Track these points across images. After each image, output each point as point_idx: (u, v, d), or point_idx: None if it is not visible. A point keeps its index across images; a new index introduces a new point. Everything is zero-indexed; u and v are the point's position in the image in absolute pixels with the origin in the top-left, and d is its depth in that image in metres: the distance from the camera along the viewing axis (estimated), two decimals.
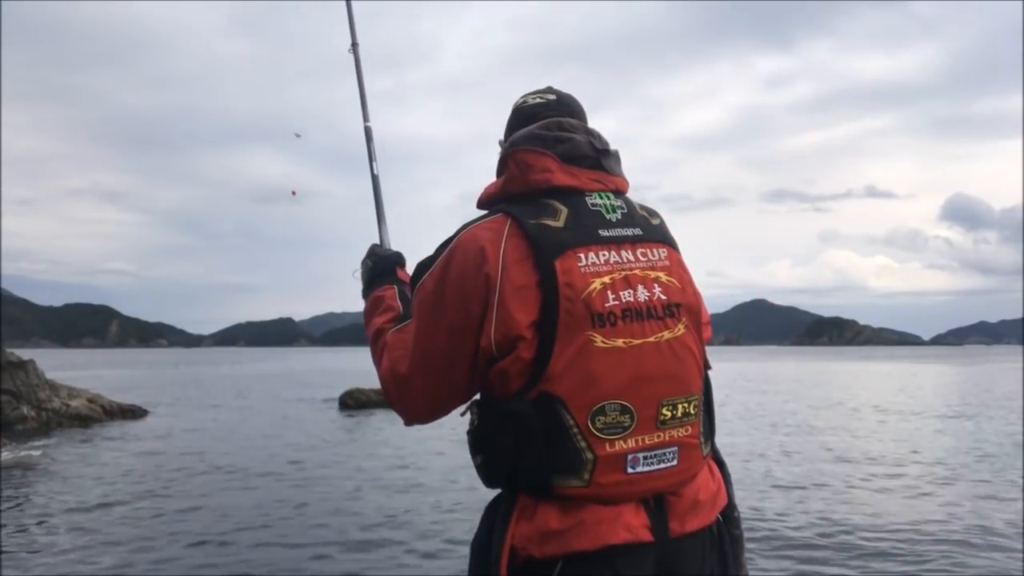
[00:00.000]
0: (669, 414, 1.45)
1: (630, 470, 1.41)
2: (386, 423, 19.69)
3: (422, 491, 10.39)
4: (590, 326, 1.40)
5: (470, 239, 1.48)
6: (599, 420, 1.40)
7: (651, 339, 1.45)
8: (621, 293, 1.44)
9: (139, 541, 7.84)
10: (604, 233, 1.49)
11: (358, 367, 62.68)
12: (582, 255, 1.44)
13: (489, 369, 1.47)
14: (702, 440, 1.53)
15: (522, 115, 1.70)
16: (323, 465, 12.79)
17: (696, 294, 1.58)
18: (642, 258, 1.51)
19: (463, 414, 1.56)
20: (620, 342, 1.42)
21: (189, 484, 11.11)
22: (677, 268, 1.55)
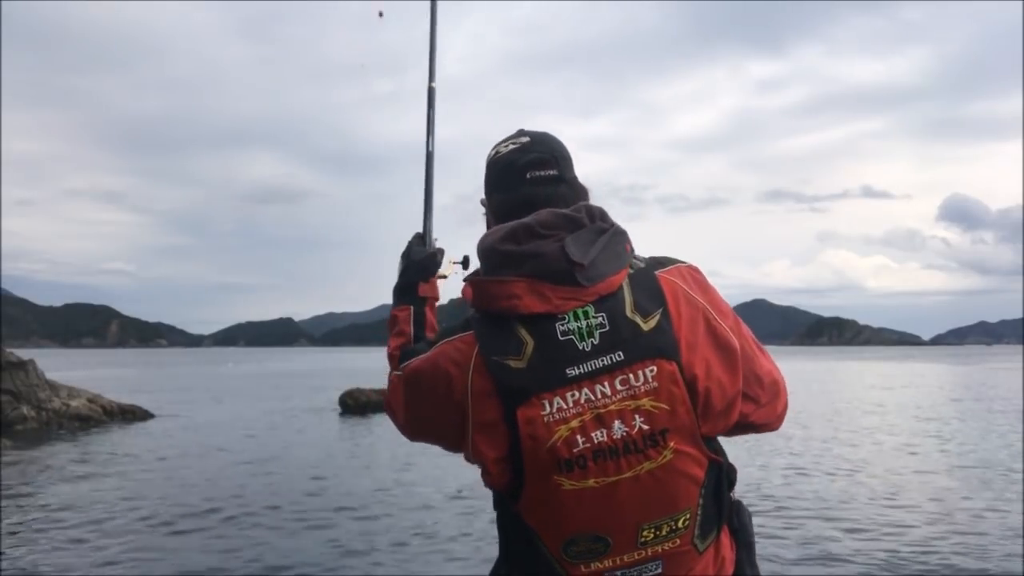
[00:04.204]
0: (651, 535, 1.40)
1: None
2: (385, 424, 19.68)
3: (420, 491, 10.40)
4: (556, 472, 1.35)
5: (441, 361, 1.46)
6: (572, 549, 1.39)
7: (628, 474, 1.36)
8: (592, 434, 1.35)
9: (138, 542, 7.85)
10: (572, 372, 1.36)
11: (358, 367, 62.69)
12: (547, 402, 1.35)
13: None
14: (697, 543, 1.46)
15: (498, 167, 1.60)
16: (323, 466, 12.81)
17: (689, 411, 1.39)
18: (621, 388, 1.37)
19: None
20: (591, 482, 1.36)
21: (188, 485, 11.11)
22: (667, 386, 1.37)
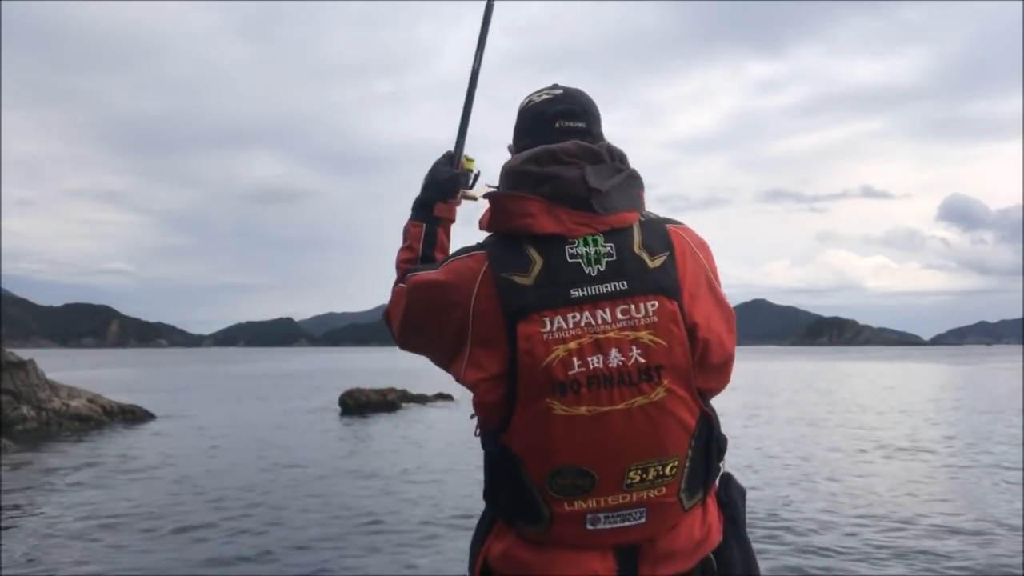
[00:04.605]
0: (637, 477, 1.40)
1: (589, 527, 1.40)
2: (386, 424, 19.69)
3: (422, 490, 10.40)
4: (550, 394, 1.36)
5: (448, 276, 1.49)
6: (556, 482, 1.39)
7: (620, 406, 1.37)
8: (589, 359, 1.37)
9: (139, 543, 7.85)
10: (576, 293, 1.39)
11: (358, 367, 62.74)
12: (547, 319, 1.37)
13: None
14: (683, 497, 1.45)
15: (529, 115, 1.62)
16: (325, 466, 12.81)
17: (686, 353, 1.41)
18: (622, 317, 1.39)
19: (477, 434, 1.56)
20: (583, 410, 1.36)
21: (189, 486, 11.11)
22: (667, 323, 1.40)
